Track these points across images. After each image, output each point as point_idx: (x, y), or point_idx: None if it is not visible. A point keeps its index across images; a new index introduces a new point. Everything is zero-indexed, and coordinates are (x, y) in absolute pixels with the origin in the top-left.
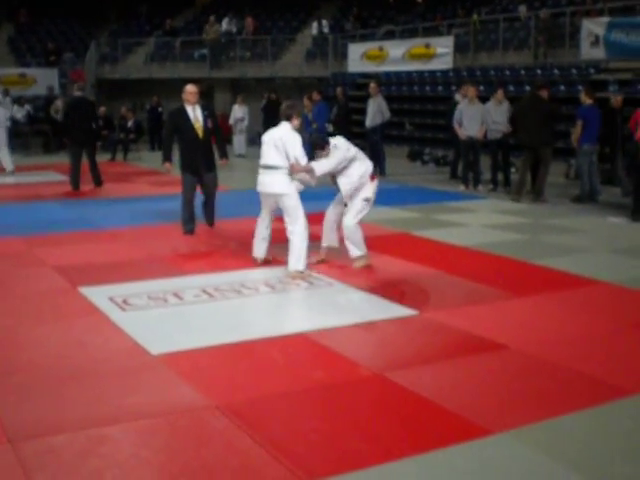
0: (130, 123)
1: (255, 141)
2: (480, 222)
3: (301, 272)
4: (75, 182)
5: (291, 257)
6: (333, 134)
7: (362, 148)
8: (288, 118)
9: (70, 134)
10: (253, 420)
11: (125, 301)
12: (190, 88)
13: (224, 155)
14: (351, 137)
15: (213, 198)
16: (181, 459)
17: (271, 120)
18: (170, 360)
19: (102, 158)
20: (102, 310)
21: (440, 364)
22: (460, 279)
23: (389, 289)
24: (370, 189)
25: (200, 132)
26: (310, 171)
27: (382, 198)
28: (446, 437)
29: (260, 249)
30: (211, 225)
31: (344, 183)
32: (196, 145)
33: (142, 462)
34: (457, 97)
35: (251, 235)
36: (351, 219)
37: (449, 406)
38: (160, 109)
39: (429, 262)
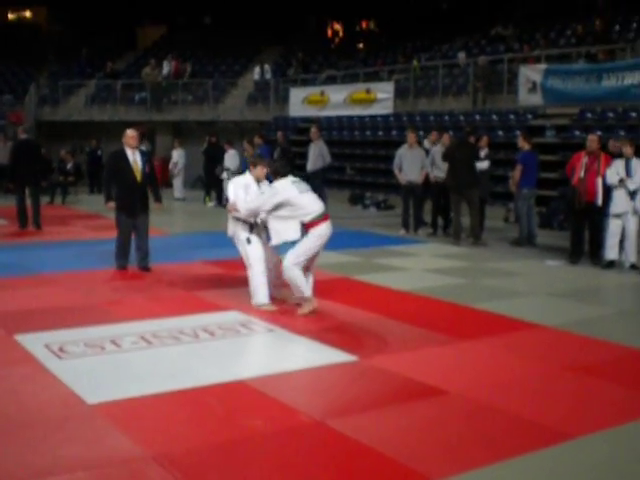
0: (69, 166)
1: (195, 184)
2: (421, 266)
3: (260, 305)
4: (22, 221)
5: (252, 293)
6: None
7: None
8: (252, 166)
9: (16, 176)
10: (190, 471)
11: (61, 349)
12: (130, 133)
13: (158, 199)
14: None
15: (146, 239)
16: None
17: (212, 163)
18: (106, 409)
19: (40, 201)
20: (38, 358)
21: (381, 410)
22: (401, 324)
23: (329, 334)
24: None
25: (138, 176)
26: (237, 211)
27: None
28: None
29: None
30: (146, 269)
31: (273, 226)
32: (134, 188)
33: None
34: (426, 143)
35: (191, 280)
36: (288, 260)
37: (390, 453)
38: (99, 152)
39: (370, 307)
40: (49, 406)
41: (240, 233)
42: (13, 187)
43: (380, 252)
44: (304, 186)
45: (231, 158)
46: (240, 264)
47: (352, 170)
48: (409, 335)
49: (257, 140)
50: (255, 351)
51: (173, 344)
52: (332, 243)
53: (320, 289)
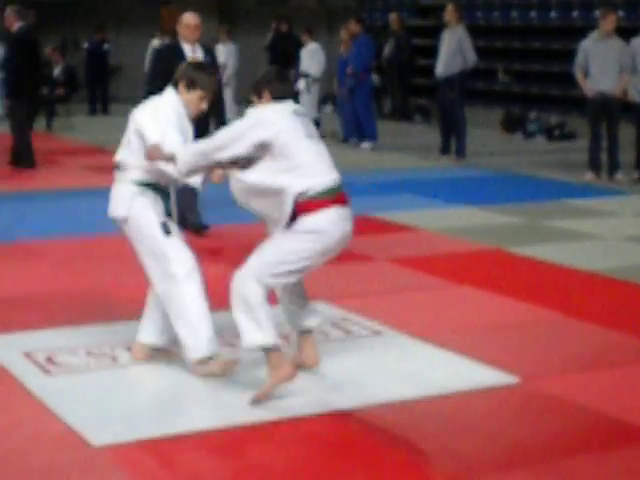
0: (57, 70)
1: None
2: (619, 232)
3: (206, 361)
4: (24, 156)
5: (181, 341)
6: (381, 90)
7: (426, 112)
8: (176, 84)
9: (17, 87)
10: None
11: (50, 359)
12: (190, 19)
13: (223, 124)
14: (411, 93)
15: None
16: None
17: (281, 65)
18: (121, 455)
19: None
20: (14, 374)
21: (557, 463)
22: (585, 325)
23: (471, 341)
24: (307, 225)
25: None
26: (171, 159)
27: (461, 192)
28: None
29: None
30: (201, 229)
31: (238, 180)
32: None
33: None
34: None
35: (252, 251)
36: (247, 269)
37: None
38: (106, 46)
39: (536, 297)
40: (34, 449)
41: (144, 212)
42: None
43: (553, 209)
44: (313, 129)
45: (312, 56)
46: None
47: (507, 75)
48: (599, 344)
49: (353, 27)
50: (356, 365)
51: (226, 351)
52: (476, 194)
53: (457, 268)
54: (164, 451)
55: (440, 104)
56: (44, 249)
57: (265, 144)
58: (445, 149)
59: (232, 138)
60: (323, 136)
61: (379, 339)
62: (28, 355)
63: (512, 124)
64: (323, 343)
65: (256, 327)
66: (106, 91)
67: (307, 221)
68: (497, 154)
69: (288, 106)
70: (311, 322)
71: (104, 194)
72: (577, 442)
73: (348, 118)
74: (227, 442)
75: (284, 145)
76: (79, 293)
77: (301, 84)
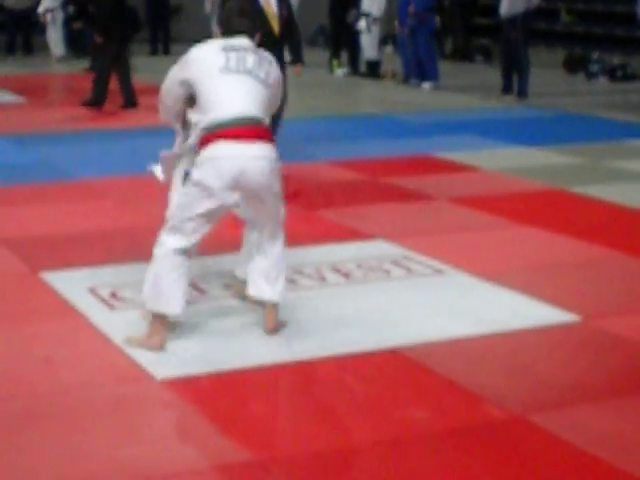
0: None
1: (315, 41)
2: None
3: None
4: (102, 97)
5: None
6: (443, 31)
7: (487, 52)
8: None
9: (106, 27)
10: None
11: (114, 294)
12: None
13: (299, 59)
14: (473, 33)
15: (278, 122)
16: None
17: (341, 5)
18: (185, 389)
19: (75, 66)
20: (79, 309)
21: (617, 402)
22: None
23: (532, 280)
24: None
25: (275, 24)
26: None
27: (522, 133)
28: None
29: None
30: None
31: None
32: (268, 44)
33: None
34: None
35: (312, 191)
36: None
37: (631, 468)
38: None
39: (597, 237)
40: (98, 383)
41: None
42: (100, 42)
43: (615, 149)
44: (250, 62)
45: None
46: (395, 167)
47: (570, 15)
48: None
49: None
50: (414, 303)
51: (290, 288)
52: (538, 134)
53: (518, 208)
54: (227, 385)
55: (503, 44)
56: (107, 188)
57: (186, 83)
58: (506, 89)
59: (169, 81)
60: (383, 76)
61: (440, 278)
62: (93, 291)
63: (574, 64)
64: (384, 281)
65: (155, 294)
66: (167, 31)
67: (202, 156)
68: (559, 94)
69: (221, 42)
70: (257, 292)
71: (165, 134)
72: (638, 381)
73: (409, 58)
74: (290, 378)
75: (198, 81)
76: (142, 230)
77: (362, 24)
